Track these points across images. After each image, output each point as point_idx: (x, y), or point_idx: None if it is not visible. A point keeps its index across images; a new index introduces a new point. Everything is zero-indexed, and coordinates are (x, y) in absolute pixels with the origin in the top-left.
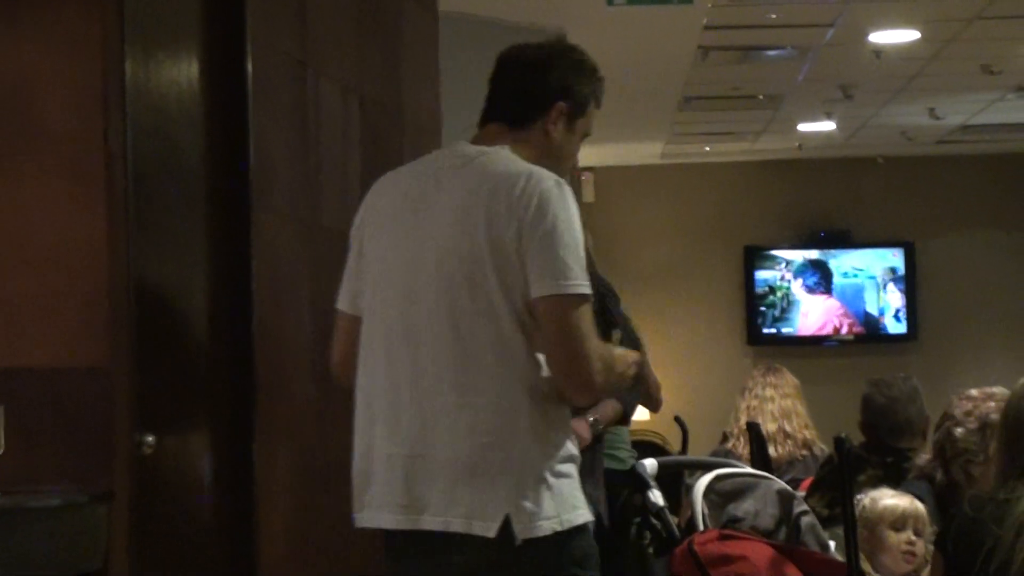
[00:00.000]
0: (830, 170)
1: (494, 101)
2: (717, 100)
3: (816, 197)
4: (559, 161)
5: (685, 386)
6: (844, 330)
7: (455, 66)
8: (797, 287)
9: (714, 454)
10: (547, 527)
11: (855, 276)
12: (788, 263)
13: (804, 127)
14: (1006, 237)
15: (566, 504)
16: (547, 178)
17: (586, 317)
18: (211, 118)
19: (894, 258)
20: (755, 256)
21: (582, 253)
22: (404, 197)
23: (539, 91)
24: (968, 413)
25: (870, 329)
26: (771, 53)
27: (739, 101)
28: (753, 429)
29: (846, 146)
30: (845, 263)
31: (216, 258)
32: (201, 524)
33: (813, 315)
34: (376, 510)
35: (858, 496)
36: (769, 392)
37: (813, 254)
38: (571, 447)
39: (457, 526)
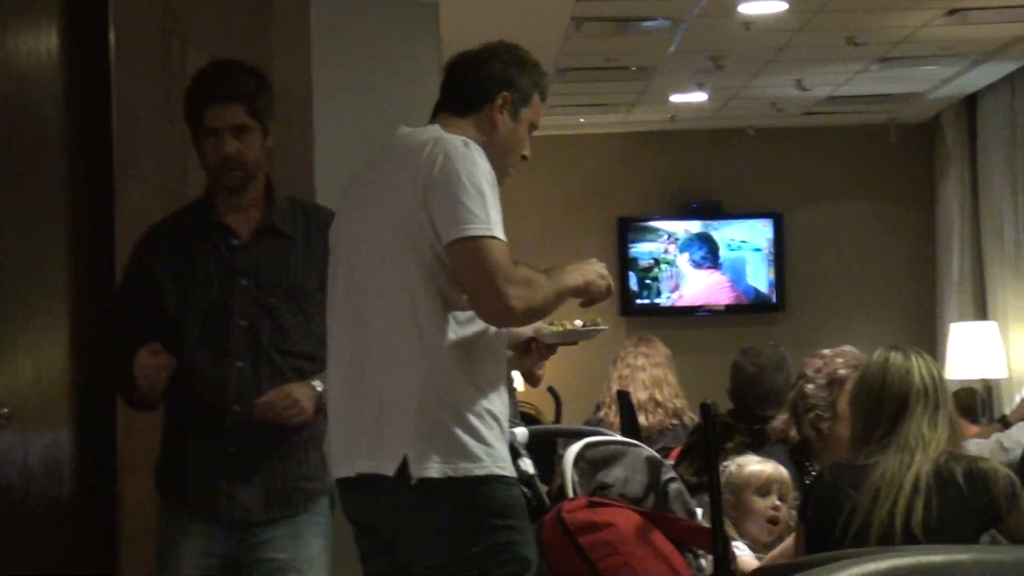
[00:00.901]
0: (702, 141)
1: (443, 95)
2: (591, 71)
3: (689, 168)
4: (507, 150)
5: (558, 357)
6: (727, 302)
7: (327, 33)
8: (684, 261)
9: (587, 423)
10: (439, 470)
11: (738, 248)
12: (670, 235)
13: (676, 98)
14: (870, 207)
15: (469, 454)
16: (454, 139)
17: (493, 254)
18: (73, 87)
19: (763, 229)
20: (628, 227)
21: (491, 200)
22: (353, 182)
23: (483, 82)
24: (818, 370)
25: (751, 301)
26: (644, 24)
27: (612, 72)
28: (623, 398)
29: (718, 117)
30: (727, 235)
31: (79, 226)
32: (61, 496)
33: (698, 289)
34: (332, 463)
35: (725, 463)
36: (640, 361)
37: (696, 226)
38: (486, 403)
39: (367, 468)
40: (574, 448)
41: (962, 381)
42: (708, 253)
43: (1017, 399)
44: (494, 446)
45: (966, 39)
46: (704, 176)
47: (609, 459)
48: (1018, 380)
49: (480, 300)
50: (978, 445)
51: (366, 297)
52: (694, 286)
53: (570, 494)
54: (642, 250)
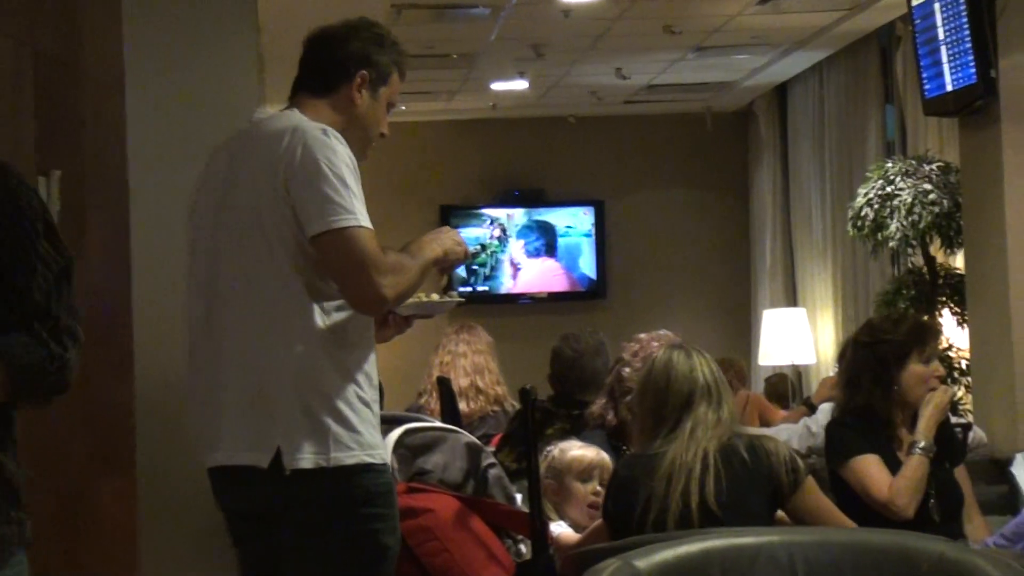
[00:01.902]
0: (524, 130)
1: (301, 74)
2: (412, 59)
3: (511, 156)
4: (365, 129)
5: (380, 344)
6: (560, 290)
7: (139, 18)
8: (518, 249)
9: (408, 410)
10: (311, 460)
11: (566, 234)
12: (493, 220)
13: (498, 86)
14: (688, 195)
15: (340, 443)
16: (312, 128)
17: (362, 244)
18: None
19: (585, 216)
20: (451, 214)
21: (354, 188)
22: (209, 168)
23: (341, 60)
24: (635, 354)
25: (584, 288)
26: (464, 12)
27: (433, 60)
28: (444, 384)
29: (539, 105)
30: (561, 221)
31: None
32: None
33: (530, 276)
34: (198, 450)
35: (548, 448)
36: (462, 348)
37: (519, 214)
38: (358, 391)
39: (242, 459)
40: (394, 434)
41: (775, 367)
42: (543, 241)
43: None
44: (364, 434)
45: (777, 28)
46: (526, 164)
47: (429, 445)
48: (825, 365)
49: (352, 291)
50: (787, 431)
51: (228, 288)
52: (528, 274)
53: (390, 478)
54: (467, 236)
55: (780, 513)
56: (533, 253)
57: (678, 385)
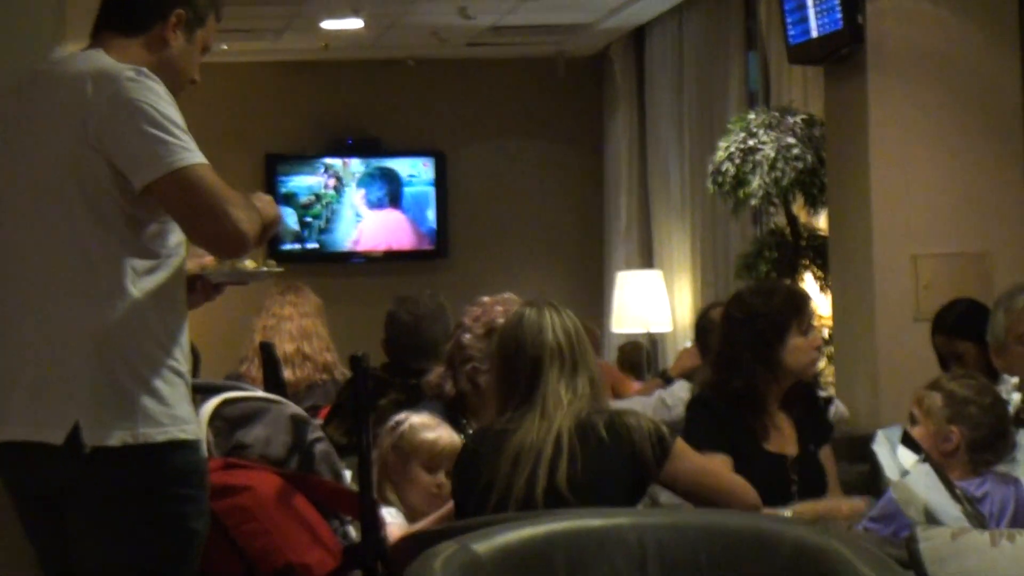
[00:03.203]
0: (358, 73)
1: (106, 9)
2: None
3: (344, 102)
4: (177, 74)
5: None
6: (406, 245)
7: None
8: (359, 199)
9: (228, 379)
10: (117, 437)
11: (411, 183)
12: (327, 169)
13: (329, 24)
14: (538, 147)
15: (149, 418)
16: (122, 71)
17: (210, 180)
18: None
19: (425, 169)
20: (278, 164)
21: (183, 125)
22: None
23: None
24: (476, 319)
25: (429, 242)
26: None
27: None
28: (267, 350)
29: (375, 47)
30: (404, 171)
31: None
32: None
33: (373, 229)
34: None
35: (398, 418)
36: (288, 311)
37: (356, 164)
38: (169, 360)
39: (31, 435)
40: (210, 404)
41: (628, 336)
42: (387, 190)
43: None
44: (177, 407)
45: None
46: (361, 111)
47: (249, 417)
48: (682, 333)
49: (208, 232)
50: (641, 403)
51: (21, 249)
52: (370, 226)
53: (205, 455)
54: (300, 184)
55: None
56: (376, 204)
57: (526, 348)
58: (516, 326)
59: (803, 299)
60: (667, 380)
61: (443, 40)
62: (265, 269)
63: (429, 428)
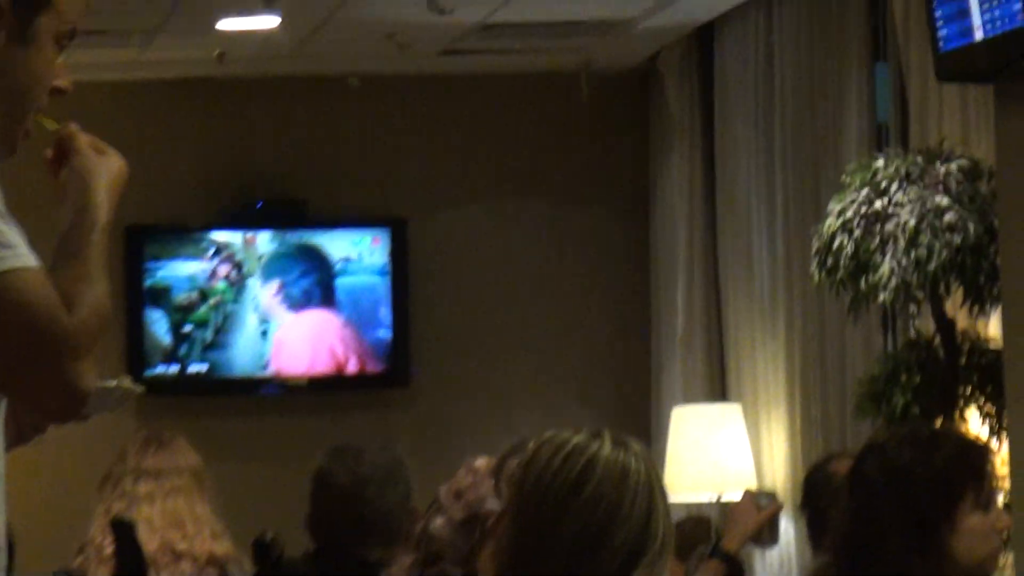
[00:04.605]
0: (272, 98)
1: None
2: None
3: (249, 144)
4: (15, 95)
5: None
6: (344, 368)
7: None
8: (270, 296)
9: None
10: None
11: (349, 271)
12: (220, 250)
13: (228, 24)
14: (545, 211)
15: None
16: None
17: (31, 297)
18: None
19: (375, 246)
20: (145, 240)
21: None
22: None
23: None
24: (458, 495)
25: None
26: None
27: None
28: (121, 531)
29: (298, 57)
30: (338, 250)
31: None
32: None
33: (291, 344)
34: None
35: None
36: (145, 487)
37: (265, 239)
38: None
39: None
40: None
41: (689, 505)
42: (312, 280)
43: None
44: None
45: None
46: (275, 158)
47: None
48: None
49: (28, 382)
50: None
51: None
52: (289, 337)
53: None
54: (177, 273)
55: None
56: (297, 302)
57: (615, 531)
58: (586, 468)
59: (981, 455)
60: (726, 560)
61: (404, 46)
62: (115, 384)
63: None
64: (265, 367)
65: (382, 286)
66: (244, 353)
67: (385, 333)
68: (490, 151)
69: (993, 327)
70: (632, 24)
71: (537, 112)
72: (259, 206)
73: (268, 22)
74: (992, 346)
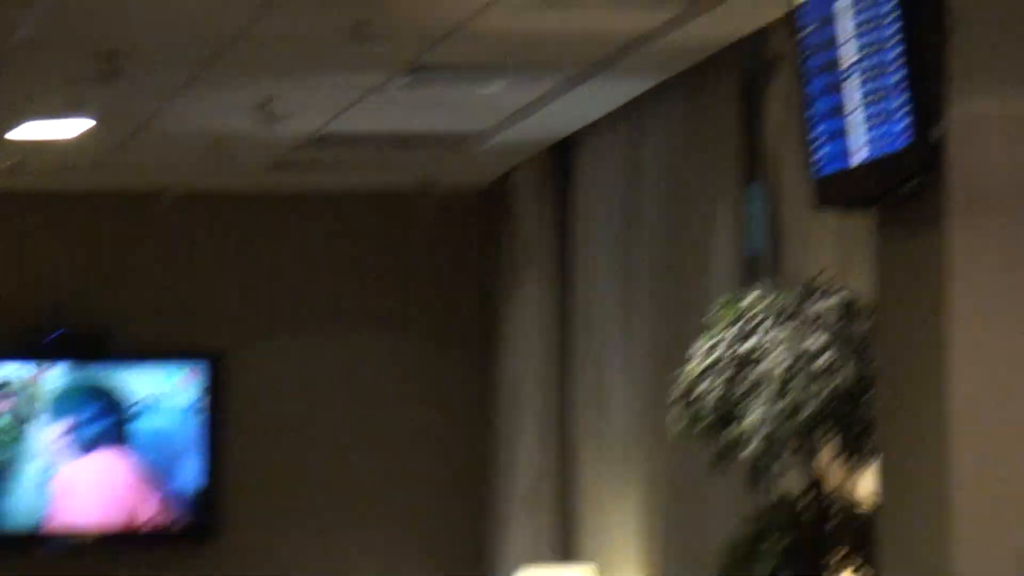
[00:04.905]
0: (71, 216)
1: None
2: None
3: (42, 266)
4: None
5: None
6: (146, 521)
7: None
8: (54, 437)
9: None
10: None
11: (152, 410)
12: (1, 385)
13: (28, 130)
14: (379, 343)
15: None
16: None
17: None
18: None
19: (185, 382)
20: None
21: None
22: None
23: None
24: None
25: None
26: None
27: None
28: None
29: (107, 167)
30: (140, 387)
31: None
32: None
33: (81, 493)
34: None
35: None
36: None
37: (55, 375)
38: None
39: None
40: None
41: None
42: (108, 422)
43: None
44: None
45: (558, 35)
46: (73, 282)
47: None
48: None
49: None
50: None
51: None
52: (77, 484)
53: None
54: None
55: None
56: (88, 444)
57: None
58: None
59: None
60: None
61: (230, 158)
62: None
63: None
64: (48, 520)
65: (191, 427)
66: (24, 505)
67: (192, 480)
68: (321, 278)
69: (865, 485)
70: (480, 139)
71: (374, 234)
72: (50, 337)
73: (78, 126)
74: (862, 512)
